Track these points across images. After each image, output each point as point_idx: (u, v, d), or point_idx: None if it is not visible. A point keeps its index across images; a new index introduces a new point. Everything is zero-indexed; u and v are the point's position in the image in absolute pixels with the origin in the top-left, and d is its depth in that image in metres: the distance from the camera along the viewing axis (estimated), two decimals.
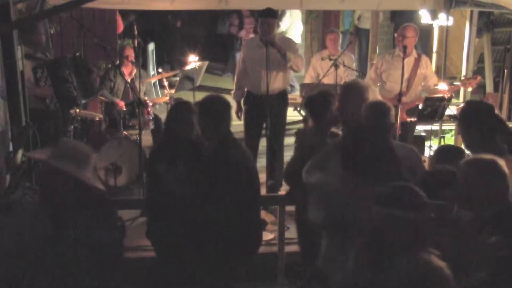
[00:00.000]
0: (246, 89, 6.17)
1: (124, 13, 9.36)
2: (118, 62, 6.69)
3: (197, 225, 3.61)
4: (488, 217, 2.68)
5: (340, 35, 7.28)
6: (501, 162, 2.71)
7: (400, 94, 5.80)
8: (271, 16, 5.84)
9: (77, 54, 5.86)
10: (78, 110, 6.43)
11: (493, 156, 2.73)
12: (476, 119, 3.48)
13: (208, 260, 3.63)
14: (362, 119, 3.42)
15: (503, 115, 5.93)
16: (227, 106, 3.78)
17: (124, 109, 6.46)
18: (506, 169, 2.68)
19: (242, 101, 6.19)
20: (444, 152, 3.67)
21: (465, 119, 3.58)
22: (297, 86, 9.03)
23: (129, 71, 6.78)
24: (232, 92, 6.36)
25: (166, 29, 10.90)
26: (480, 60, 9.42)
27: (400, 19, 9.41)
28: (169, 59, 11.16)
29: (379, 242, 2.49)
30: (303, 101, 4.69)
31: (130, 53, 6.82)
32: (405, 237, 2.40)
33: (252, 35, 9.66)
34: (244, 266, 3.85)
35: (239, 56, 9.99)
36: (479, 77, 6.52)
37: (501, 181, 2.69)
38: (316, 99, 4.17)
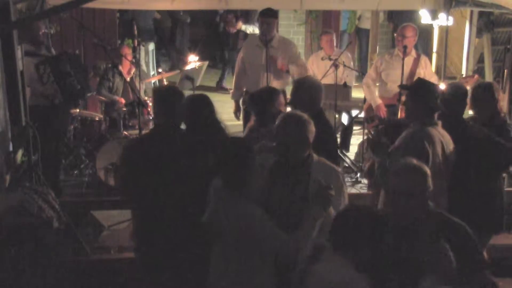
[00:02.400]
0: (245, 89, 6.17)
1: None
2: (117, 62, 6.70)
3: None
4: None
5: (334, 35, 7.26)
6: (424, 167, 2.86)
7: (400, 94, 5.80)
8: (271, 16, 5.85)
9: (77, 52, 5.88)
10: (77, 110, 6.44)
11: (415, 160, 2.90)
12: (424, 95, 3.82)
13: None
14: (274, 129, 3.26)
15: (503, 115, 5.93)
16: (170, 97, 3.73)
17: (124, 109, 6.47)
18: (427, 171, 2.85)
19: (240, 101, 6.19)
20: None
21: (415, 93, 3.88)
22: None
23: (127, 69, 6.79)
24: (231, 91, 6.36)
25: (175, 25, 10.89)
26: (480, 60, 9.41)
27: (399, 19, 9.40)
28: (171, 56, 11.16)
29: None
30: (245, 97, 4.65)
31: (127, 51, 6.83)
32: None
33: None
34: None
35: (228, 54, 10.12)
36: (476, 76, 6.54)
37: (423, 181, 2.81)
38: (260, 95, 4.24)
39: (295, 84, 4.31)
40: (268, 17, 5.81)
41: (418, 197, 2.79)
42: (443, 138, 3.80)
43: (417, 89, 3.91)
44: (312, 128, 3.18)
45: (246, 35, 10.14)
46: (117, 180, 3.83)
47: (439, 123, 3.84)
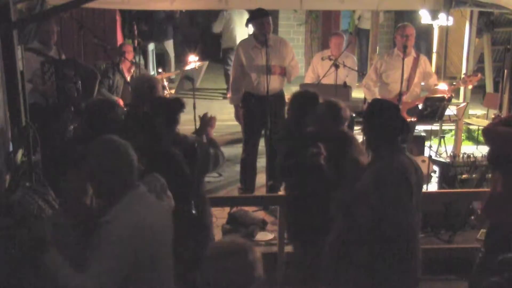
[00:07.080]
0: (243, 90, 6.14)
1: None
2: (117, 60, 6.70)
3: None
4: None
5: (345, 37, 7.22)
6: None
7: (400, 94, 5.80)
8: (268, 14, 5.86)
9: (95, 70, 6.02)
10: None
11: None
12: (382, 119, 3.31)
13: None
14: None
15: (503, 115, 5.92)
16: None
17: (125, 109, 6.45)
18: None
19: (240, 104, 6.16)
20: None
21: (371, 119, 3.39)
22: None
23: (127, 67, 6.79)
24: (228, 97, 6.33)
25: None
26: (480, 60, 9.42)
27: (402, 19, 9.41)
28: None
29: None
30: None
31: (129, 49, 6.83)
32: None
33: None
34: None
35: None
36: (479, 74, 6.53)
37: None
38: None
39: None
40: (267, 15, 5.82)
41: None
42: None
43: (372, 115, 3.40)
44: (125, 157, 2.65)
45: None
46: None
47: (404, 148, 3.38)
